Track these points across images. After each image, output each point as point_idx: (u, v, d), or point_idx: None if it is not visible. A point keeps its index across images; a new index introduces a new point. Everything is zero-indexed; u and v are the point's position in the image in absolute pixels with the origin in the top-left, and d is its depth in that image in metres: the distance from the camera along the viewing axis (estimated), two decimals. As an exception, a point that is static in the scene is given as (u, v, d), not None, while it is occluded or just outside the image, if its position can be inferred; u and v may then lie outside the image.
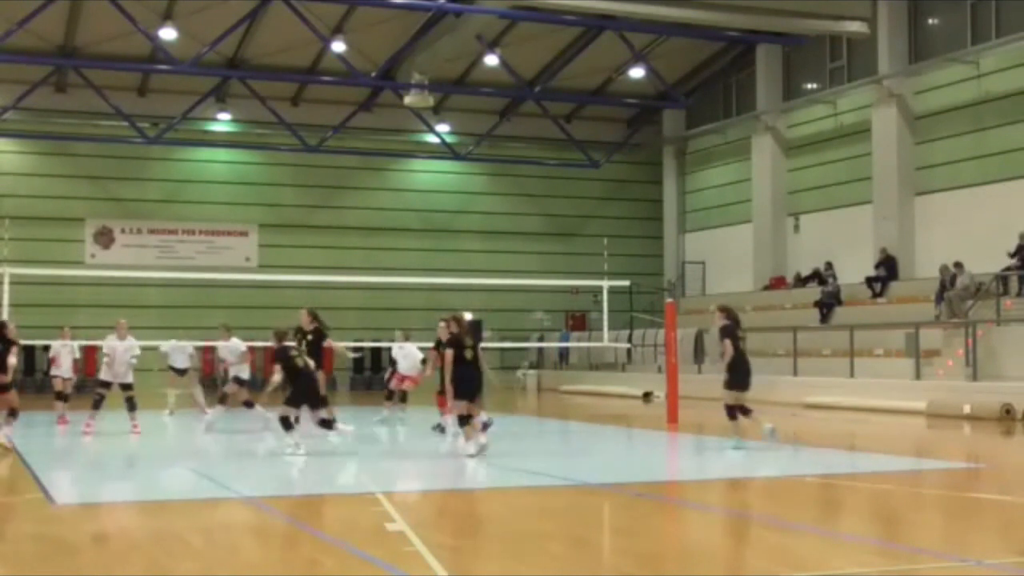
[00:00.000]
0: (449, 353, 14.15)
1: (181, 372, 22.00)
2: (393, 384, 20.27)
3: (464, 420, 14.07)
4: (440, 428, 17.16)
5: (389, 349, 33.90)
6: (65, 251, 31.97)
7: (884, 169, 28.64)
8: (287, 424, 14.54)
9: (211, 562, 7.98)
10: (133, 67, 31.10)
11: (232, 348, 19.38)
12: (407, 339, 20.47)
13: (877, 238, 28.60)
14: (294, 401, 14.57)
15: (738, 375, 14.81)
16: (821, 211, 31.42)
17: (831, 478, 12.36)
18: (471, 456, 13.70)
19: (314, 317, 16.63)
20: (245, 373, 18.77)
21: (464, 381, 14.02)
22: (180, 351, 21.90)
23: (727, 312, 15.03)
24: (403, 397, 20.50)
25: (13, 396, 15.61)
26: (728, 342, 14.67)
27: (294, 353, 14.71)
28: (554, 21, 29.94)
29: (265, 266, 33.77)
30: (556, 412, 25.07)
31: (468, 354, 14.14)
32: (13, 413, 15.54)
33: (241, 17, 28.62)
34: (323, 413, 15.09)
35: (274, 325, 15.69)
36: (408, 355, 20.19)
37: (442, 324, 15.65)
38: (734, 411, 14.75)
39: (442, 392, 15.88)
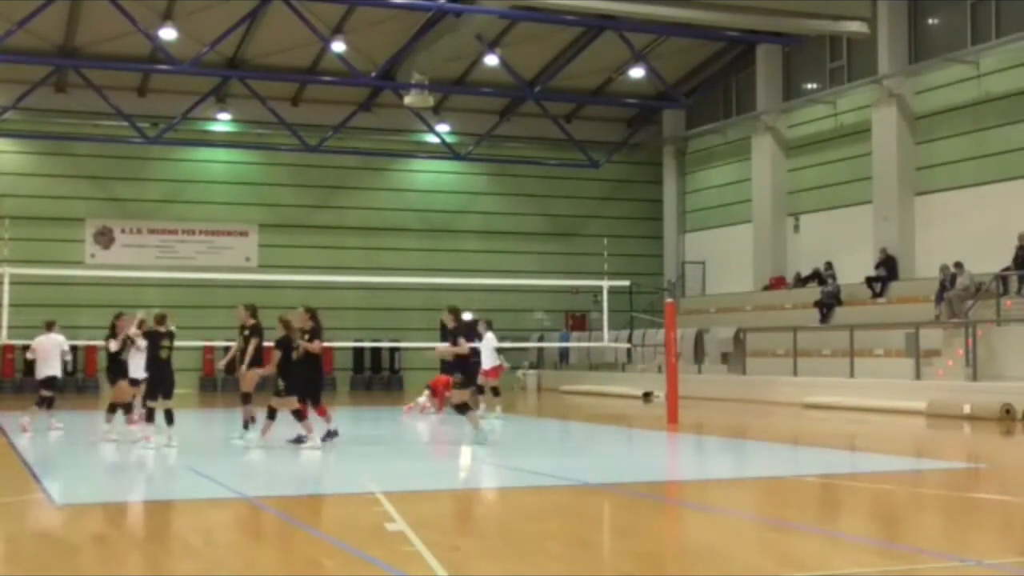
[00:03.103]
0: (277, 353, 14.91)
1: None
2: (481, 380, 19.53)
3: (298, 415, 14.78)
4: (330, 434, 15.50)
5: (390, 350, 34.53)
6: (65, 251, 31.97)
7: (884, 169, 28.63)
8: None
9: (211, 562, 7.98)
10: (133, 67, 31.08)
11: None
12: (489, 329, 20.39)
13: (877, 238, 28.59)
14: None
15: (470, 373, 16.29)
16: (821, 211, 31.40)
17: (831, 478, 12.37)
18: (315, 448, 14.60)
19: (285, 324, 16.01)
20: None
21: (311, 381, 15.12)
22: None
23: (455, 315, 16.14)
24: (496, 391, 20.45)
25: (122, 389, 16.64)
26: (463, 340, 15.88)
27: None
28: (554, 21, 29.92)
29: (265, 266, 33.75)
30: (556, 412, 25.04)
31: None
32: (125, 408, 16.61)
33: (241, 17, 28.59)
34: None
35: (274, 325, 15.68)
36: (488, 346, 20.09)
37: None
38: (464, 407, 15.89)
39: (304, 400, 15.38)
